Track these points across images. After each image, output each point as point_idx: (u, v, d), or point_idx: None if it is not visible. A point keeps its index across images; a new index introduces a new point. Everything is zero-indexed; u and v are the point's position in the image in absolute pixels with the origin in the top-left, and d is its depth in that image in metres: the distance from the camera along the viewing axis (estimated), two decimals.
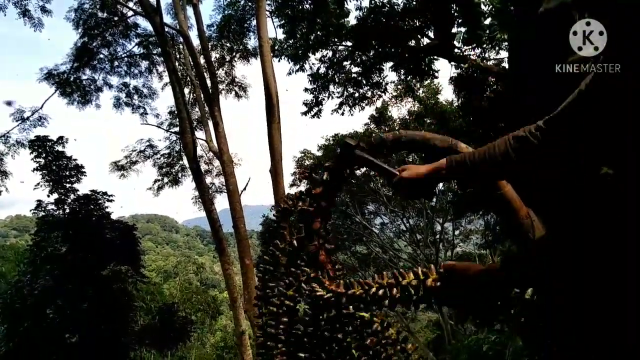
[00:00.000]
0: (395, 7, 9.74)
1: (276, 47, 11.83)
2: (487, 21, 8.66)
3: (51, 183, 13.34)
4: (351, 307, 1.01)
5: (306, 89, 12.32)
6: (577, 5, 1.12)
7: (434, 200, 16.16)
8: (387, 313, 1.05)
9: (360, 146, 1.20)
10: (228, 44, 15.53)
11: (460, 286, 1.01)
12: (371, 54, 10.86)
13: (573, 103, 1.00)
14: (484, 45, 9.29)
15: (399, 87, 14.66)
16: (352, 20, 10.74)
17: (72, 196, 13.57)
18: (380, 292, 1.00)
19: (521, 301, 1.04)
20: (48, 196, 13.42)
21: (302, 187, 17.34)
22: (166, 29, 12.06)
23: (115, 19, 14.67)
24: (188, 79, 15.10)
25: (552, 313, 1.03)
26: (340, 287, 1.02)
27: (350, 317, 1.01)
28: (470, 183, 1.28)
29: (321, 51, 11.54)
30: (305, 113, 12.70)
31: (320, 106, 12.52)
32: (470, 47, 9.46)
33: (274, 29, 12.23)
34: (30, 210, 13.92)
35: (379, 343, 1.02)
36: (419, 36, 9.97)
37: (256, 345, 1.06)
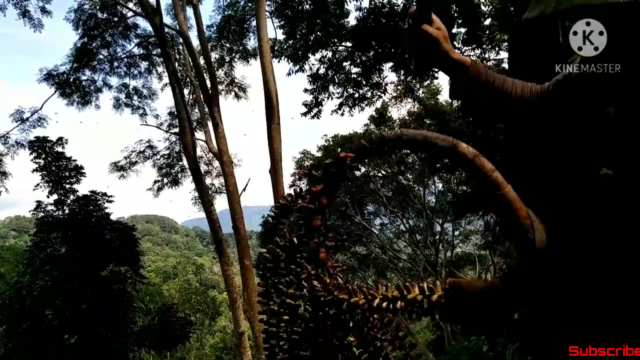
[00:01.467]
0: (395, 7, 9.75)
1: (276, 48, 11.83)
2: (487, 22, 8.67)
3: (51, 184, 13.35)
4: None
5: (306, 90, 12.33)
6: (556, 15, 1.13)
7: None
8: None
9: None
10: (228, 45, 15.54)
11: (464, 302, 1.01)
12: (371, 54, 10.87)
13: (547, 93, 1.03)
14: (484, 46, 9.31)
15: (398, 87, 14.69)
16: (352, 20, 10.77)
17: (71, 197, 13.58)
18: (384, 304, 0.99)
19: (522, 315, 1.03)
20: (47, 197, 13.45)
21: (302, 187, 17.34)
22: (166, 30, 12.07)
23: (115, 19, 14.67)
24: (188, 79, 15.10)
25: (553, 321, 1.02)
26: (342, 293, 1.01)
27: (351, 313, 1.01)
28: (469, 93, 1.27)
29: (321, 52, 11.56)
30: (305, 114, 12.72)
31: (320, 107, 12.54)
32: (470, 47, 9.48)
33: (273, 30, 12.25)
34: (30, 211, 13.95)
35: (379, 340, 1.01)
36: None
37: (263, 343, 1.06)
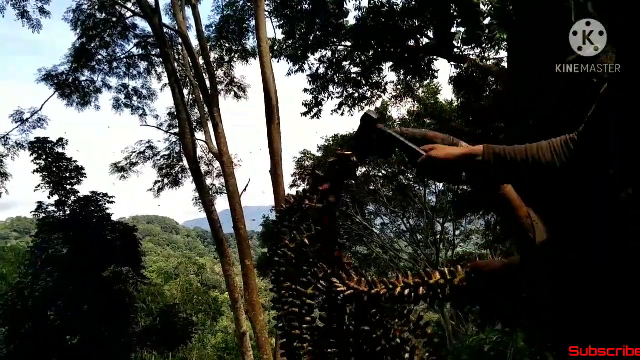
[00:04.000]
0: (395, 7, 9.74)
1: (275, 48, 11.82)
2: (487, 21, 8.66)
3: (52, 185, 13.33)
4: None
5: (306, 90, 12.33)
6: None
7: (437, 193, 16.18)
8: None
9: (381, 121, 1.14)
10: (227, 45, 15.53)
11: (485, 283, 1.01)
12: (370, 54, 10.86)
13: (594, 113, 0.99)
14: (484, 45, 9.29)
15: (398, 87, 14.68)
16: (351, 20, 10.76)
17: (72, 198, 13.57)
18: (406, 291, 1.00)
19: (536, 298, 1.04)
20: (49, 198, 13.43)
21: (303, 187, 17.32)
22: (165, 30, 12.06)
23: (114, 19, 14.66)
24: (187, 79, 15.09)
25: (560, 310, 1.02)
26: (362, 285, 1.02)
27: (372, 308, 1.01)
28: (500, 180, 1.18)
29: (320, 51, 11.56)
30: (305, 114, 12.71)
31: (320, 107, 12.54)
32: (469, 47, 9.46)
33: (273, 30, 12.26)
34: (31, 212, 13.94)
35: (403, 331, 1.02)
36: (418, 36, 9.97)
37: (280, 347, 1.06)
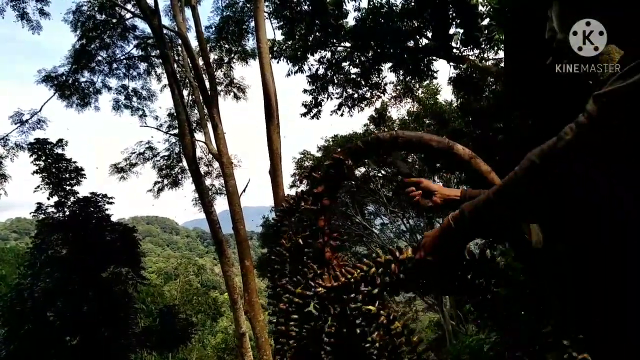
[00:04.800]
0: (394, 8, 9.76)
1: (275, 49, 11.83)
2: (485, 22, 8.68)
3: (51, 185, 13.32)
4: (356, 301, 1.02)
5: (305, 90, 12.34)
6: None
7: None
8: (391, 307, 1.05)
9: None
10: (226, 46, 15.54)
11: (431, 254, 1.00)
12: (370, 54, 10.87)
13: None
14: (482, 46, 9.31)
15: (398, 87, 14.70)
16: (350, 21, 10.78)
17: (72, 199, 13.55)
18: (361, 275, 1.02)
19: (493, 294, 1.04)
20: (48, 199, 13.41)
21: (302, 188, 17.34)
22: (165, 31, 12.06)
23: (114, 21, 14.66)
24: (187, 80, 15.10)
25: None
26: (331, 282, 1.04)
27: (357, 311, 1.02)
28: (489, 231, 1.08)
29: (320, 52, 11.57)
30: (304, 114, 12.72)
31: (320, 107, 12.55)
32: (468, 47, 9.48)
33: (272, 31, 12.26)
34: (30, 213, 13.90)
35: (386, 336, 1.02)
36: (417, 37, 9.98)
37: (274, 342, 1.08)
